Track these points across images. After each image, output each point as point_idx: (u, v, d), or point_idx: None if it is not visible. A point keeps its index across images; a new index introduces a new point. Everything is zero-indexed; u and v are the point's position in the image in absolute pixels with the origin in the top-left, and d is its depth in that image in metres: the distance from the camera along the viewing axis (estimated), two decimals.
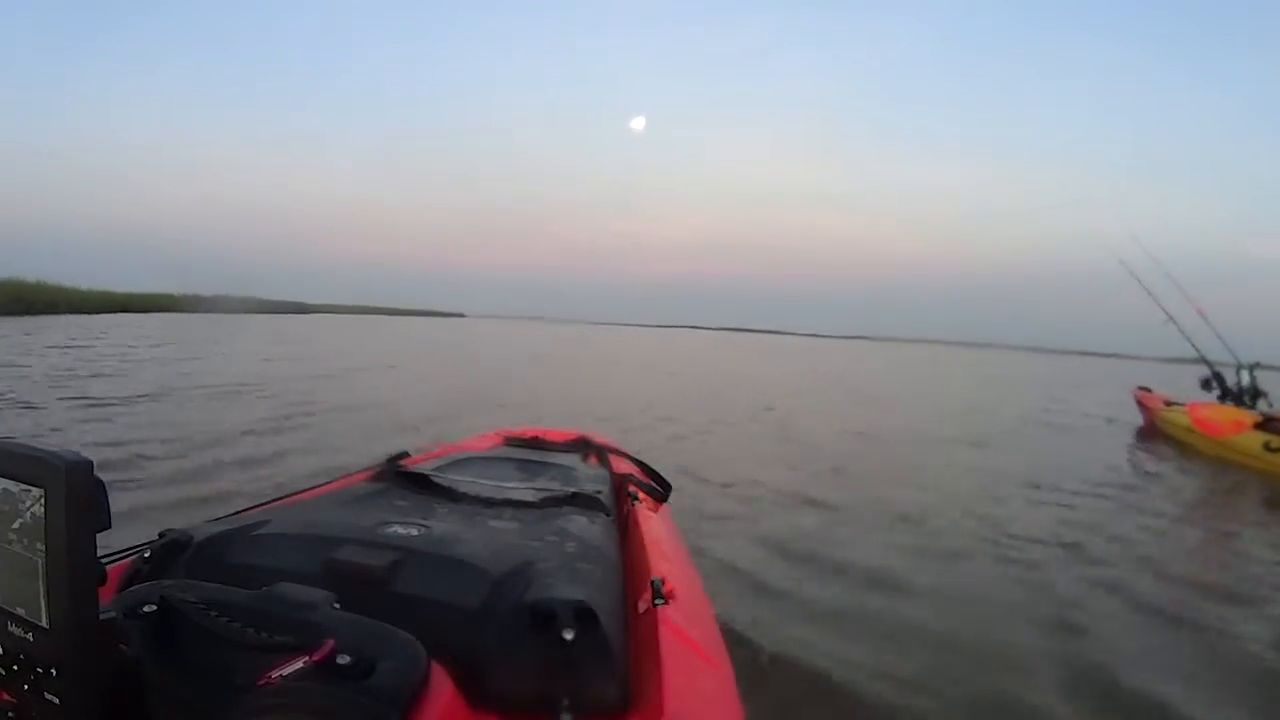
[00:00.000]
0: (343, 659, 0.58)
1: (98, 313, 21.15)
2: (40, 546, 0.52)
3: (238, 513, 1.10)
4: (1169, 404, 7.29)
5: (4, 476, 0.53)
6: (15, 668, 0.55)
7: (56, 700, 0.54)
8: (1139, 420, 8.03)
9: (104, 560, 0.72)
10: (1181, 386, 7.90)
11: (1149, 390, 8.15)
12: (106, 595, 0.62)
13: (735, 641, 1.91)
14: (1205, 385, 6.74)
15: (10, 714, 0.58)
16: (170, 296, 29.22)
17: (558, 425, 2.29)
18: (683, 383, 11.45)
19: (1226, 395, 6.58)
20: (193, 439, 4.26)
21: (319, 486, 1.35)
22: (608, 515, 1.22)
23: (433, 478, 1.28)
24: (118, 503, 0.64)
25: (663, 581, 0.98)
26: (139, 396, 5.83)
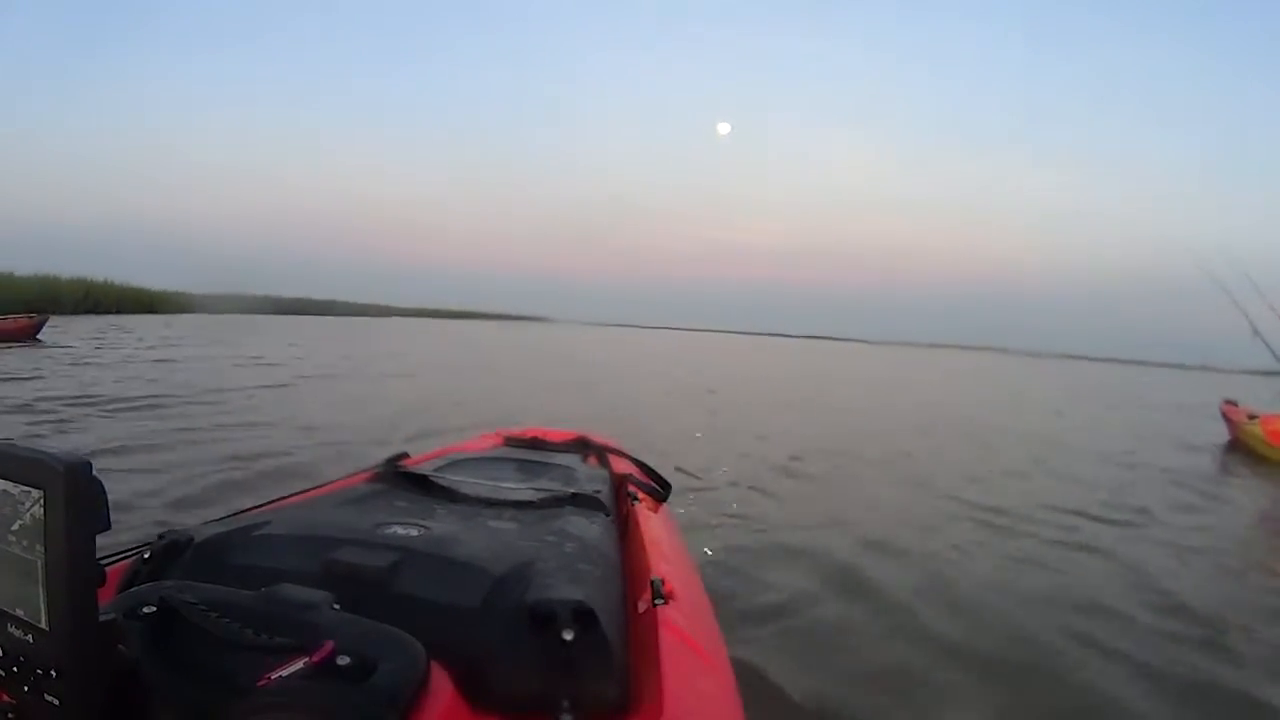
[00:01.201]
0: (342, 660, 0.58)
1: (178, 312, 21.89)
2: (39, 548, 0.52)
3: (237, 513, 1.10)
4: (1251, 417, 7.10)
5: (3, 478, 0.53)
6: (15, 669, 0.55)
7: (56, 702, 0.54)
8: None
9: (103, 561, 0.72)
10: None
11: (1235, 404, 7.85)
12: (106, 596, 0.62)
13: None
14: None
15: (10, 715, 0.58)
16: (240, 297, 30.81)
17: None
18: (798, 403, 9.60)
19: None
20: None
21: (319, 487, 1.35)
22: (607, 515, 1.22)
23: (432, 478, 1.28)
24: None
25: (663, 581, 0.98)
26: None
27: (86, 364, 7.99)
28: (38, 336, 10.73)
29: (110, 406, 5.15)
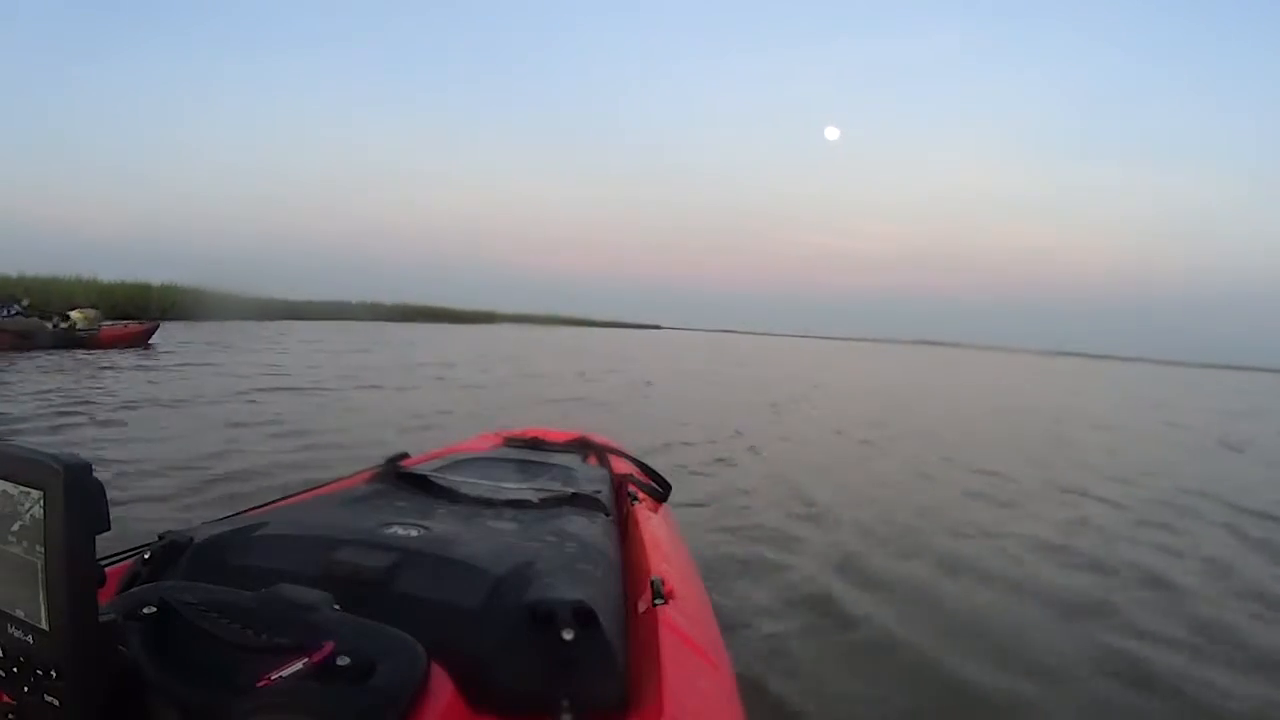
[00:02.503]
0: (342, 660, 0.58)
1: (278, 319, 21.64)
2: (39, 549, 0.52)
3: (237, 514, 1.10)
4: None
5: (3, 478, 0.53)
6: (15, 670, 0.55)
7: (56, 702, 0.54)
8: None
9: (103, 562, 0.72)
10: None
11: None
12: (106, 597, 0.62)
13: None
14: None
15: (10, 716, 0.58)
16: (338, 304, 30.63)
17: None
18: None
19: None
20: None
21: (318, 487, 1.35)
22: (607, 515, 1.22)
23: (432, 478, 1.28)
24: None
25: (663, 581, 0.98)
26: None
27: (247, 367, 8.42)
28: (149, 342, 10.78)
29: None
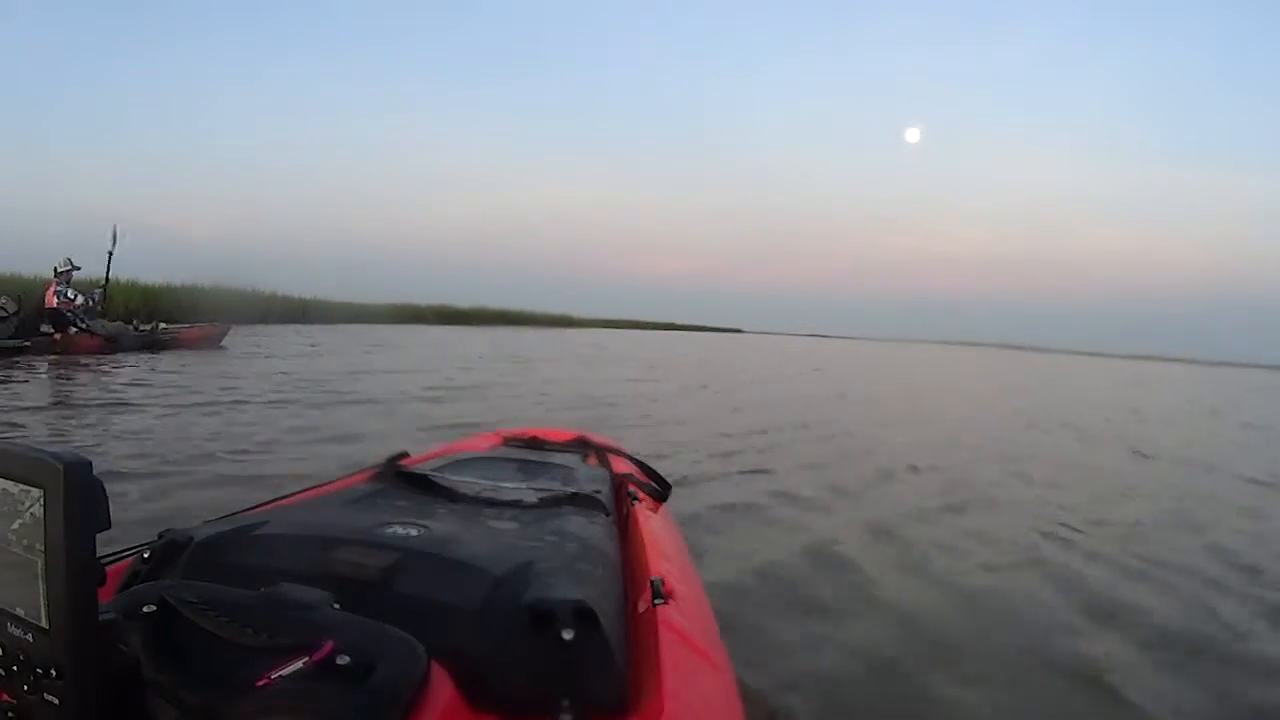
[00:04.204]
0: (342, 659, 0.58)
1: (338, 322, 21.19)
2: (39, 547, 0.52)
3: (237, 513, 1.10)
4: None
5: (3, 478, 0.53)
6: (15, 668, 0.55)
7: (56, 701, 0.54)
8: None
9: (103, 561, 0.72)
10: None
11: None
12: (106, 596, 0.62)
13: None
14: None
15: (10, 715, 0.58)
16: (404, 307, 29.68)
17: None
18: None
19: None
20: None
21: (318, 487, 1.34)
22: (607, 515, 1.22)
23: (432, 478, 1.28)
24: None
25: (662, 581, 0.98)
26: None
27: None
28: (221, 344, 10.80)
29: None
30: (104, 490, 0.54)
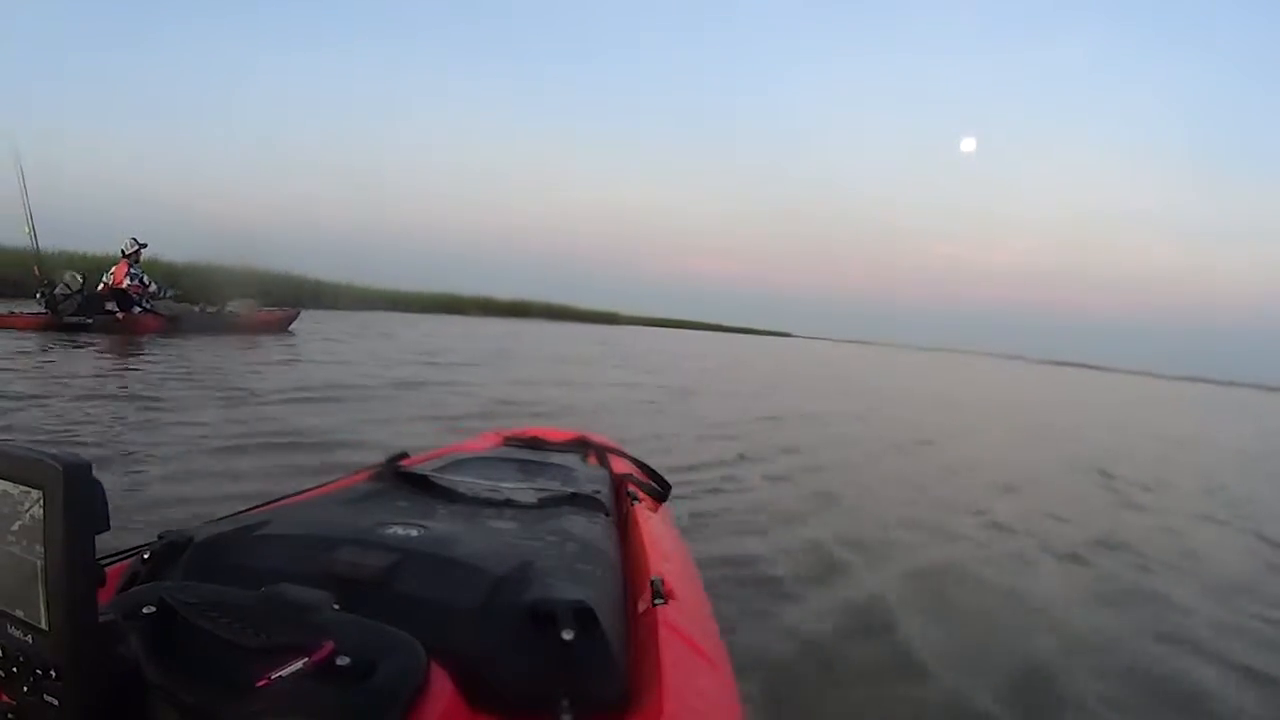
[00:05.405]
0: (342, 660, 0.58)
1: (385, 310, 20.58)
2: (39, 549, 0.52)
3: (237, 514, 1.10)
4: None
5: (3, 478, 0.53)
6: (15, 670, 0.55)
7: (56, 702, 0.54)
8: None
9: (103, 562, 0.72)
10: None
11: None
12: (105, 597, 0.62)
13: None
14: None
15: (10, 716, 0.58)
16: (446, 297, 28.70)
17: None
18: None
19: None
20: None
21: (318, 487, 1.34)
22: (607, 515, 1.22)
23: (432, 478, 1.28)
24: None
25: (662, 581, 0.98)
26: None
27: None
28: (289, 329, 10.68)
29: None
30: (103, 491, 0.54)
